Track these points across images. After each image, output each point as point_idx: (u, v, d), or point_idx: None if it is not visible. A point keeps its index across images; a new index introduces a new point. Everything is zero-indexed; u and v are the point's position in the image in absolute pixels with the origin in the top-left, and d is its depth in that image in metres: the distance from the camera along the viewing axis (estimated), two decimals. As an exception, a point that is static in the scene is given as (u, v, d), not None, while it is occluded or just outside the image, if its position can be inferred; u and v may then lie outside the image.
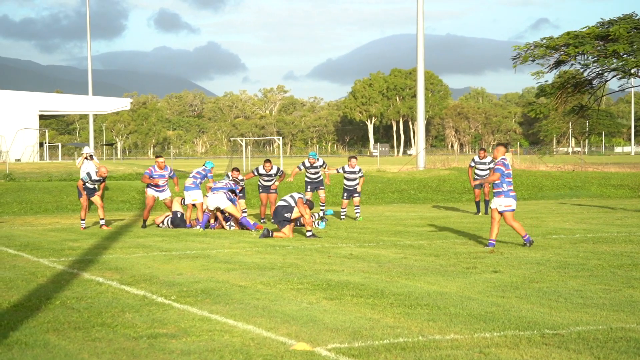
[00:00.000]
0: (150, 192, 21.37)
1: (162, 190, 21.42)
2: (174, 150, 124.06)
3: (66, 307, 9.79)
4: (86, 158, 27.43)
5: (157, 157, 21.72)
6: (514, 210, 15.25)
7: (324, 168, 23.29)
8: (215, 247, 16.29)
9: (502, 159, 15.29)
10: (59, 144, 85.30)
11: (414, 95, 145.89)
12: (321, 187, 23.19)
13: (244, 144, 66.09)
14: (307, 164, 23.03)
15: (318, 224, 20.51)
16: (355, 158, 23.85)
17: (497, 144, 19.33)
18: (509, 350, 7.43)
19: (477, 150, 21.40)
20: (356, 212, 23.26)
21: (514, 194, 15.37)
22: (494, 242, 15.23)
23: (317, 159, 22.97)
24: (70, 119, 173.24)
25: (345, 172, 23.30)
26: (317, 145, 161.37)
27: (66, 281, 11.79)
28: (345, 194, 23.33)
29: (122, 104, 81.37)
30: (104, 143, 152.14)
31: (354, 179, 23.27)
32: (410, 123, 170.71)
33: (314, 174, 23.13)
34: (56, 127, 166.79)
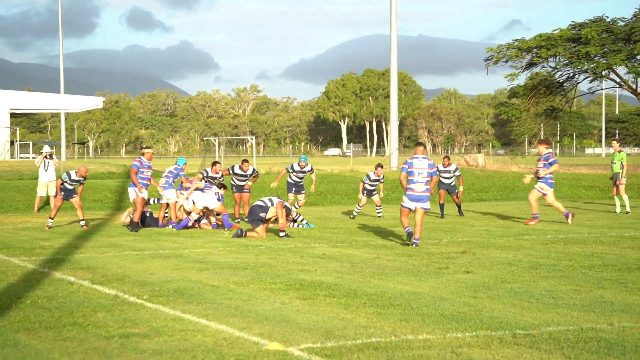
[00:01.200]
0: (136, 193, 20.23)
1: (147, 186, 20.53)
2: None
3: (37, 306, 9.72)
4: (45, 157, 27.29)
5: (145, 148, 21.02)
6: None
7: (312, 173, 23.37)
8: (188, 246, 16.23)
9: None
10: (30, 142, 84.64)
11: (387, 96, 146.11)
12: (302, 192, 23.22)
13: (217, 144, 65.91)
14: (297, 168, 23.01)
15: (306, 225, 20.58)
16: (381, 167, 24.24)
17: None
18: (480, 350, 7.47)
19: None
20: (378, 211, 24.02)
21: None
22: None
23: (307, 164, 23.11)
24: (42, 117, 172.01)
25: (371, 180, 23.88)
26: (291, 146, 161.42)
27: (37, 280, 11.69)
28: (366, 193, 24.03)
29: (94, 102, 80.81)
30: (76, 142, 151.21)
31: (375, 186, 24.08)
32: (383, 123, 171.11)
33: (300, 178, 23.18)
34: (27, 125, 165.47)
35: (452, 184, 24.04)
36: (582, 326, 8.37)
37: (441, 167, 23.95)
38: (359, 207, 24.07)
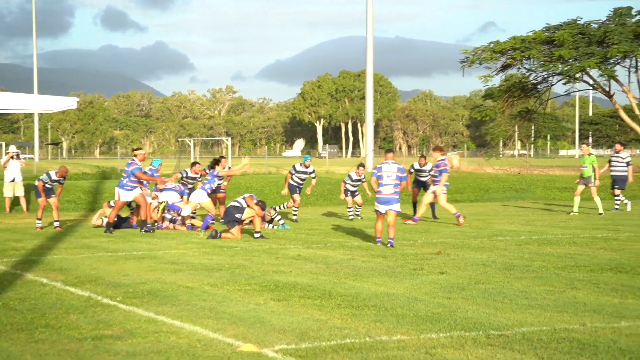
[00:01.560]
0: (119, 196, 19.66)
1: (135, 188, 19.81)
2: (121, 150, 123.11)
3: (9, 308, 9.64)
4: (12, 157, 27.12)
5: (137, 149, 20.54)
6: None
7: (314, 178, 23.39)
8: (162, 247, 16.17)
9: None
10: (3, 143, 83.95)
11: (363, 97, 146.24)
12: (299, 192, 23.27)
13: (192, 145, 65.72)
14: (300, 168, 22.91)
15: (281, 226, 20.54)
16: (363, 166, 24.09)
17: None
18: (454, 350, 7.49)
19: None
20: (357, 212, 23.93)
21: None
22: None
23: (311, 164, 23.18)
24: (15, 117, 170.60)
25: (352, 180, 23.74)
26: (266, 147, 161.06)
27: (9, 282, 11.60)
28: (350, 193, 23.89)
29: (69, 102, 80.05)
30: (49, 142, 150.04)
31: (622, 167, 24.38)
32: (359, 125, 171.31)
33: (302, 179, 23.15)
34: (0, 126, 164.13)
35: (428, 183, 24.08)
36: (555, 326, 8.42)
37: (417, 166, 23.99)
38: (350, 209, 23.89)
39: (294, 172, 22.92)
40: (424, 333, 8.17)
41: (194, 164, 21.88)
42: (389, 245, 15.84)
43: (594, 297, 10.13)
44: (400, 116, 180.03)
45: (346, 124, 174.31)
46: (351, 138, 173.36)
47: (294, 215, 23.01)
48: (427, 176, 24.07)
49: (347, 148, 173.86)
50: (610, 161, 26.00)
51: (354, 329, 8.40)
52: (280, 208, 22.62)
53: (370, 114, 50.69)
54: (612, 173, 25.78)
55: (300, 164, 22.98)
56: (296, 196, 22.74)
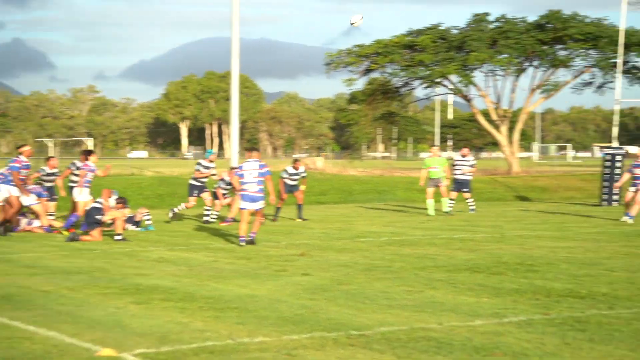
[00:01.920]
0: (9, 192, 18.70)
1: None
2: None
3: None
4: None
5: (22, 146, 19.65)
6: None
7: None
8: (18, 250, 15.64)
9: None
10: None
11: (228, 98, 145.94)
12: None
13: (52, 145, 63.94)
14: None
15: (147, 228, 20.21)
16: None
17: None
18: (315, 351, 7.54)
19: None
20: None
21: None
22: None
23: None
24: None
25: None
26: (130, 147, 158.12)
27: None
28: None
29: None
30: None
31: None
32: (224, 126, 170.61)
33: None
34: None
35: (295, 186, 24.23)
36: (414, 326, 8.59)
37: (291, 170, 24.05)
38: (208, 209, 23.56)
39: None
40: (286, 334, 8.19)
41: (48, 158, 21.34)
42: (250, 237, 16.31)
43: (451, 296, 10.40)
44: (266, 118, 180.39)
45: (211, 125, 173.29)
46: (217, 139, 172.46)
47: (212, 217, 22.53)
48: (298, 179, 24.13)
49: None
50: (454, 165, 26.73)
51: (215, 331, 8.34)
52: (178, 209, 22.48)
53: (235, 116, 50.42)
54: (456, 177, 26.51)
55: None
56: (192, 199, 22.55)
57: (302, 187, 23.93)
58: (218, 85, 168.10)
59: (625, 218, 22.17)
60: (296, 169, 23.73)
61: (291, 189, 23.78)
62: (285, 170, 23.89)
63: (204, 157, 23.18)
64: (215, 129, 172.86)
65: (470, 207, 26.67)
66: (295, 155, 25.96)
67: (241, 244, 16.27)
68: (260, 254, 15.00)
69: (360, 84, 52.47)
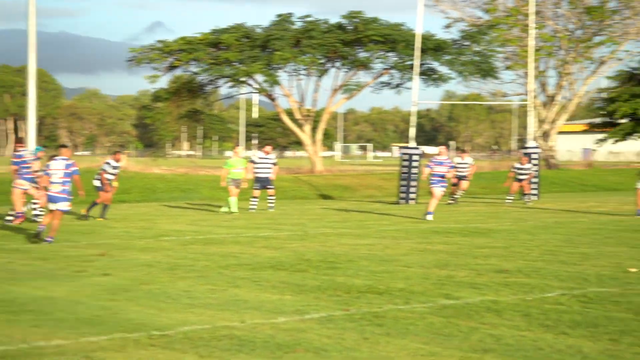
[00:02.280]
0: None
1: None
2: None
3: None
4: None
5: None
6: None
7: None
8: None
9: None
10: None
11: (25, 93, 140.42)
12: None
13: None
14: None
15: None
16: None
17: None
18: (115, 353, 7.36)
19: (115, 154, 22.13)
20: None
21: None
22: None
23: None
24: None
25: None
26: None
27: None
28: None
29: None
30: None
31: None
32: (20, 122, 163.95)
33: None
34: None
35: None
36: (216, 324, 8.56)
37: (113, 163, 23.31)
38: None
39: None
40: (85, 336, 7.95)
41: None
42: (39, 229, 16.25)
43: (254, 294, 10.45)
44: (65, 114, 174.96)
45: (6, 121, 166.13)
46: (12, 136, 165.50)
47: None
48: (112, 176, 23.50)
49: (6, 146, 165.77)
50: (255, 163, 26.85)
51: (8, 335, 7.97)
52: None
53: (32, 111, 48.59)
54: (257, 175, 26.58)
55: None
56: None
57: (115, 184, 23.37)
58: (13, 79, 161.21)
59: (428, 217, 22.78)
60: (117, 161, 23.26)
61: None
62: (108, 163, 23.32)
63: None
64: (10, 125, 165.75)
65: (270, 205, 26.86)
66: (118, 149, 25.35)
67: (39, 229, 16.31)
68: (59, 254, 14.50)
69: (164, 81, 51.96)
